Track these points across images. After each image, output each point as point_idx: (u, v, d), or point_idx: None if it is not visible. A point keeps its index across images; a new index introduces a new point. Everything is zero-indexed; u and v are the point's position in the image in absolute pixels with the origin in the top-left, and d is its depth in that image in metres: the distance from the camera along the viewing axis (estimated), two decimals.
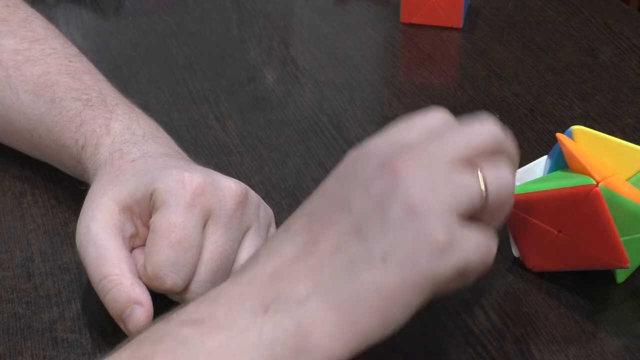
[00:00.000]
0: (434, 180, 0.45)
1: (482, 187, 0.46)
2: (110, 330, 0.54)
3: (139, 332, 0.45)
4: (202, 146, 0.72)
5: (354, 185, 0.46)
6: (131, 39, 0.88)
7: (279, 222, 0.63)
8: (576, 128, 0.58)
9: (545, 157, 0.62)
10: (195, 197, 0.53)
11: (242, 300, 0.44)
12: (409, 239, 0.44)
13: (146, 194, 0.54)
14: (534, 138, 0.73)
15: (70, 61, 0.66)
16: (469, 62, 0.85)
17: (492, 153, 0.48)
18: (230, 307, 0.44)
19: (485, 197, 0.46)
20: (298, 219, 0.47)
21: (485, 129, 0.48)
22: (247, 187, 0.56)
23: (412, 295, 0.44)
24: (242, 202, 0.55)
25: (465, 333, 0.55)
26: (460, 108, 0.77)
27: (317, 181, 0.68)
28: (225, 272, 0.54)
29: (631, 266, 0.56)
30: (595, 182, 0.54)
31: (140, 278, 0.53)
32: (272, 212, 0.59)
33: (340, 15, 0.93)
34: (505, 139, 0.49)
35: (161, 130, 0.63)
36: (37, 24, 0.70)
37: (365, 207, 0.45)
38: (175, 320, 0.44)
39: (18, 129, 0.66)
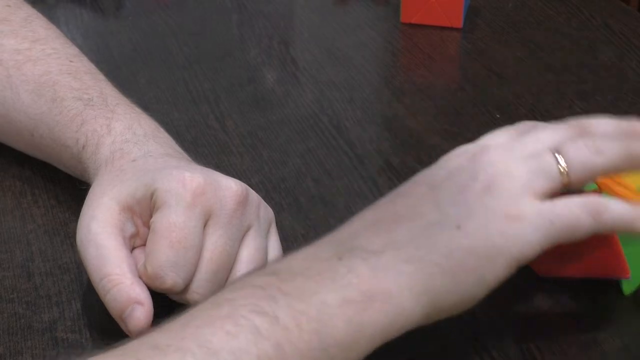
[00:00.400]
0: (512, 164, 0.49)
1: (562, 165, 0.49)
2: (110, 330, 0.54)
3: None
4: (202, 146, 0.72)
5: (445, 172, 0.50)
6: (131, 39, 0.88)
7: (279, 222, 0.63)
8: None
9: None
10: (195, 197, 0.53)
11: (317, 253, 0.48)
12: (482, 211, 0.47)
13: (147, 194, 0.54)
14: None
15: (71, 61, 0.66)
16: (469, 62, 0.85)
17: (575, 137, 0.51)
18: (305, 259, 0.48)
19: (567, 173, 0.49)
20: (386, 197, 0.51)
21: (564, 124, 0.52)
22: (247, 187, 0.56)
23: (485, 265, 0.47)
24: (243, 202, 0.55)
25: (465, 333, 0.55)
26: (460, 108, 0.77)
27: (317, 181, 0.68)
28: (225, 271, 0.54)
29: (636, 277, 0.55)
30: (598, 188, 0.53)
31: (140, 278, 0.53)
32: (272, 213, 0.59)
33: (340, 15, 0.93)
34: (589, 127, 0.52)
35: (162, 130, 0.63)
36: (38, 24, 0.70)
37: (448, 185, 0.49)
38: (254, 274, 0.48)
39: (19, 128, 0.66)
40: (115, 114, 0.61)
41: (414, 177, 0.52)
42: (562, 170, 0.49)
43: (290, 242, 0.62)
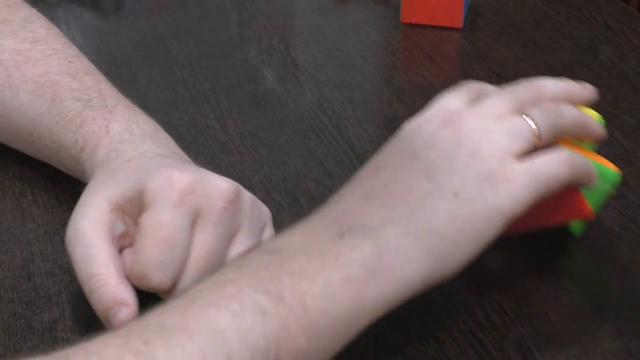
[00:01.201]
0: (490, 129, 0.52)
1: (533, 126, 0.52)
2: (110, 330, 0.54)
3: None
4: (202, 146, 0.72)
5: (421, 141, 0.52)
6: (131, 39, 0.88)
7: (279, 222, 0.63)
8: None
9: None
10: (183, 195, 0.53)
11: (317, 231, 0.49)
12: (474, 177, 0.50)
13: (137, 193, 0.54)
14: None
15: (70, 61, 0.66)
16: (469, 62, 0.85)
17: (538, 99, 0.55)
18: (305, 238, 0.48)
19: (539, 134, 0.53)
20: (364, 171, 0.53)
21: (523, 87, 0.56)
22: (239, 186, 0.56)
23: (483, 227, 0.50)
24: (233, 201, 0.54)
25: (465, 333, 0.55)
26: None
27: (317, 181, 0.68)
28: (214, 270, 0.54)
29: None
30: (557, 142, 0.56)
31: (128, 277, 0.53)
32: (268, 212, 0.58)
33: (340, 15, 0.93)
34: (543, 88, 0.56)
35: (161, 130, 0.63)
36: (38, 24, 0.70)
37: (433, 155, 0.51)
38: (254, 252, 0.48)
39: (18, 129, 0.66)
40: (113, 114, 0.61)
41: (386, 147, 0.53)
42: (534, 131, 0.52)
43: None
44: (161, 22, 0.91)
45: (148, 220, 0.53)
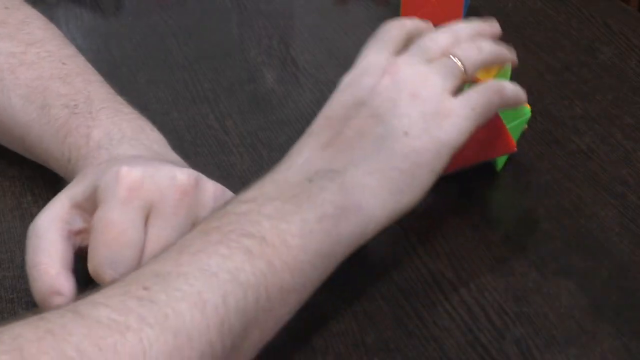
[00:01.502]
0: (424, 72, 0.58)
1: (459, 64, 0.59)
2: None
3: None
4: (202, 146, 0.72)
5: (363, 91, 0.57)
6: (131, 39, 0.88)
7: None
8: None
9: None
10: (131, 191, 0.53)
11: (285, 179, 0.53)
12: (419, 117, 0.56)
13: (93, 191, 0.54)
14: (534, 138, 0.73)
15: (64, 63, 0.66)
16: None
17: (459, 41, 0.61)
18: (276, 185, 0.52)
19: (465, 70, 0.59)
20: (315, 124, 0.57)
21: (441, 32, 0.62)
22: (200, 177, 0.55)
23: (434, 159, 0.55)
24: (188, 192, 0.54)
25: (465, 333, 0.55)
26: None
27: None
28: None
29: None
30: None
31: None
32: None
33: (340, 15, 0.93)
34: (461, 31, 0.62)
35: (147, 131, 0.62)
36: (36, 26, 0.69)
37: (378, 102, 0.56)
38: (231, 203, 0.51)
39: (12, 134, 0.66)
40: (96, 120, 0.61)
41: (330, 101, 0.58)
42: (460, 68, 0.59)
43: None
44: (161, 22, 0.91)
45: (98, 218, 0.53)
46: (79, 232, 0.55)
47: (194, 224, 0.54)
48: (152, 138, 0.61)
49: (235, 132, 0.74)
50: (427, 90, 0.57)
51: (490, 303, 0.57)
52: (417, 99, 0.56)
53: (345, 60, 0.85)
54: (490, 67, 0.64)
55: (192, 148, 0.71)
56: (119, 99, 0.64)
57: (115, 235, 0.52)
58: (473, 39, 0.62)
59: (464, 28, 0.63)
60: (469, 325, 0.56)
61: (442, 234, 0.63)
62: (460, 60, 0.59)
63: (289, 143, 0.73)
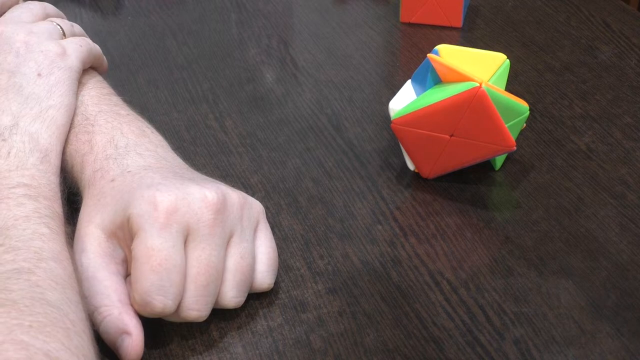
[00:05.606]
0: (30, 28, 0.64)
1: (60, 28, 0.66)
2: None
3: None
4: (202, 146, 0.72)
5: None
6: (130, 39, 0.88)
7: (278, 222, 0.63)
8: (441, 46, 0.68)
9: (409, 81, 0.70)
10: (169, 215, 0.53)
11: None
12: (40, 57, 0.62)
13: (124, 220, 0.54)
14: (533, 138, 0.73)
15: None
16: None
17: (47, 14, 0.68)
18: None
19: (63, 32, 0.66)
20: None
21: (33, 4, 0.68)
22: (225, 191, 0.55)
23: (62, 83, 0.62)
24: (221, 210, 0.54)
25: (465, 333, 0.55)
26: None
27: (316, 181, 0.68)
28: (216, 282, 0.54)
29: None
30: (478, 85, 0.62)
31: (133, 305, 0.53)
32: (260, 207, 0.58)
33: (340, 15, 0.93)
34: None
35: (147, 132, 0.62)
36: None
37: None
38: None
39: None
40: (96, 126, 0.61)
41: None
42: (61, 31, 0.65)
43: (290, 241, 0.62)
44: (161, 22, 0.91)
45: (139, 247, 0.52)
46: (123, 262, 0.55)
47: (229, 238, 0.55)
48: (154, 141, 0.61)
49: (235, 131, 0.74)
50: (35, 42, 0.63)
51: (489, 303, 0.57)
52: (30, 49, 0.63)
53: (344, 60, 0.85)
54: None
55: (191, 148, 0.71)
56: (112, 99, 0.64)
57: (161, 262, 0.52)
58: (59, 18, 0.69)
59: (51, 7, 0.69)
60: (468, 325, 0.56)
61: (441, 235, 0.63)
62: (59, 25, 0.66)
63: (288, 143, 0.73)
